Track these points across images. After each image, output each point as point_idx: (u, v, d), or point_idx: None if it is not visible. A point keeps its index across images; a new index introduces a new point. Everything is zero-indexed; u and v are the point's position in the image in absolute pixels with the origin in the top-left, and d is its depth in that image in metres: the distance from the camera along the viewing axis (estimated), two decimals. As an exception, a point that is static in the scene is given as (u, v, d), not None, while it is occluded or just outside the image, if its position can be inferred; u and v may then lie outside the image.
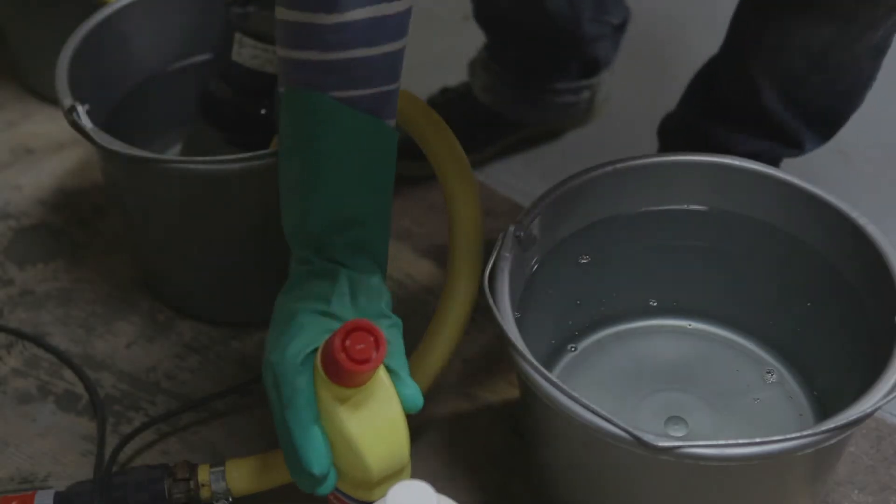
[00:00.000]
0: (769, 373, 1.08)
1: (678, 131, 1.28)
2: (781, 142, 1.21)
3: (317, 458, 0.82)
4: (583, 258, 1.06)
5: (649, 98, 1.36)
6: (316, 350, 0.84)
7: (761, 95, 1.16)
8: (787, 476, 0.91)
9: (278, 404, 0.83)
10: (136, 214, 1.20)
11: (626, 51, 1.50)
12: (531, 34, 1.35)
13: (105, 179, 1.28)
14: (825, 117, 1.20)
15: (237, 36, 1.19)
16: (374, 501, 0.84)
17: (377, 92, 0.89)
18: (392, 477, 0.85)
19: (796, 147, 1.21)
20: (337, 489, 0.85)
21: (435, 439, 1.11)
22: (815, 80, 1.14)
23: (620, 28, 1.41)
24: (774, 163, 1.24)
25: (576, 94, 1.43)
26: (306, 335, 0.84)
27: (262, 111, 1.21)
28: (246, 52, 1.19)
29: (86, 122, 1.10)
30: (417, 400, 0.86)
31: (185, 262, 1.21)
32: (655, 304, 1.12)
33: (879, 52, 1.13)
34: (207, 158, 1.07)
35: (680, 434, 1.03)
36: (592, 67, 1.42)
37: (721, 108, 1.22)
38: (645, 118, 1.35)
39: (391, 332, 0.88)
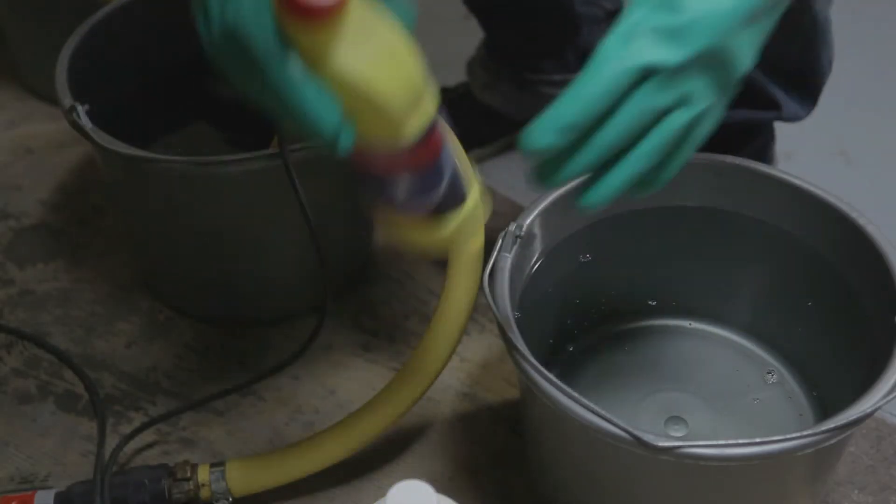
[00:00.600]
0: (769, 373, 1.08)
1: None
2: (757, 106, 1.21)
3: (322, 110, 0.68)
4: (584, 256, 1.06)
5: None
6: None
7: None
8: (787, 476, 0.91)
9: (252, 72, 0.68)
10: (136, 214, 1.20)
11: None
12: (523, 14, 1.34)
13: (105, 179, 1.28)
14: (794, 70, 1.20)
15: (237, 36, 1.19)
16: (403, 140, 0.72)
17: None
18: (414, 106, 0.70)
19: (773, 108, 1.21)
20: (361, 144, 0.72)
21: (435, 439, 1.11)
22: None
23: (614, 16, 1.41)
24: (758, 130, 1.25)
25: None
26: None
27: (262, 111, 1.21)
28: (246, 52, 1.19)
29: (86, 122, 1.10)
30: (410, 12, 0.73)
31: (184, 263, 1.22)
32: (655, 303, 1.12)
33: None
34: (207, 158, 1.07)
35: (680, 434, 1.03)
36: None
37: None
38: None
39: None
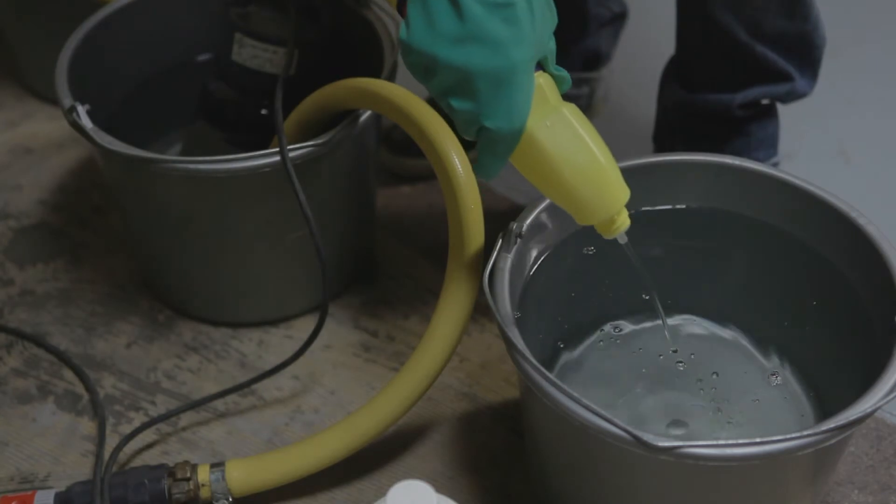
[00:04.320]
0: (771, 374, 1.08)
1: (670, 119, 1.29)
2: (769, 81, 1.23)
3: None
4: (587, 249, 1.06)
5: (649, 98, 1.36)
6: None
7: (733, 32, 1.18)
8: (788, 476, 0.91)
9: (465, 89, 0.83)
10: (137, 214, 1.20)
11: (626, 51, 1.50)
12: None
13: (105, 179, 1.28)
14: (796, 43, 1.22)
15: (237, 36, 1.20)
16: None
17: None
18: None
19: (786, 80, 1.23)
20: None
21: (435, 439, 1.11)
22: (770, 3, 1.18)
23: (619, 19, 1.42)
24: (769, 109, 1.27)
25: (576, 87, 1.43)
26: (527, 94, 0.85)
27: (262, 111, 1.21)
28: (246, 52, 1.19)
29: (86, 122, 1.10)
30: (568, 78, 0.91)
31: (185, 262, 1.21)
32: (649, 298, 1.11)
33: None
34: (208, 158, 1.07)
35: (680, 434, 1.02)
36: (594, 61, 1.42)
37: (699, 72, 1.24)
38: (645, 118, 1.35)
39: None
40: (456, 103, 0.84)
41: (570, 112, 0.89)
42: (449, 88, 0.84)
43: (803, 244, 1.03)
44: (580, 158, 0.88)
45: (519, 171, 0.91)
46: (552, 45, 0.88)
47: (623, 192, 0.91)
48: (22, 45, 1.55)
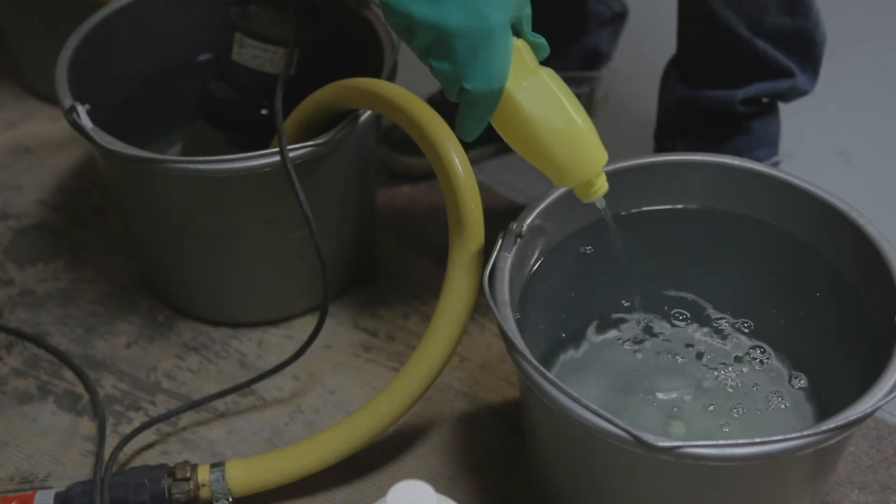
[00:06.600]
0: (790, 377, 1.07)
1: (671, 117, 1.29)
2: (770, 77, 1.23)
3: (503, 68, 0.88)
4: (585, 248, 1.06)
5: (649, 98, 1.36)
6: None
7: (734, 28, 1.19)
8: (788, 476, 0.91)
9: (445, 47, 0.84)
10: (136, 214, 1.20)
11: (627, 51, 1.50)
12: (538, 4, 1.36)
13: (105, 179, 1.28)
14: (797, 41, 1.22)
15: (237, 36, 1.20)
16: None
17: None
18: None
19: (787, 76, 1.23)
20: None
21: (435, 439, 1.11)
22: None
23: (619, 18, 1.42)
24: (771, 107, 1.27)
25: (576, 85, 1.43)
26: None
27: (262, 111, 1.21)
28: (246, 52, 1.19)
29: (86, 122, 1.10)
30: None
31: (185, 262, 1.22)
32: (654, 303, 1.11)
33: None
34: (208, 158, 1.07)
35: (680, 434, 1.02)
36: (594, 60, 1.42)
37: (701, 69, 1.25)
38: (645, 118, 1.35)
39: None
40: (436, 63, 0.86)
41: (548, 75, 0.91)
42: (428, 49, 0.85)
43: (803, 244, 1.03)
44: (558, 121, 0.90)
45: (499, 132, 0.93)
46: (528, 10, 0.89)
47: (601, 155, 0.93)
48: (22, 45, 1.55)
